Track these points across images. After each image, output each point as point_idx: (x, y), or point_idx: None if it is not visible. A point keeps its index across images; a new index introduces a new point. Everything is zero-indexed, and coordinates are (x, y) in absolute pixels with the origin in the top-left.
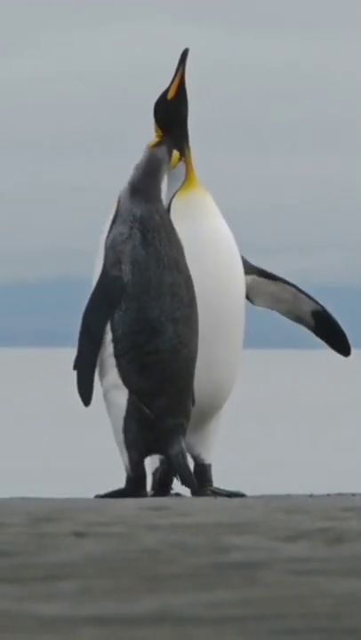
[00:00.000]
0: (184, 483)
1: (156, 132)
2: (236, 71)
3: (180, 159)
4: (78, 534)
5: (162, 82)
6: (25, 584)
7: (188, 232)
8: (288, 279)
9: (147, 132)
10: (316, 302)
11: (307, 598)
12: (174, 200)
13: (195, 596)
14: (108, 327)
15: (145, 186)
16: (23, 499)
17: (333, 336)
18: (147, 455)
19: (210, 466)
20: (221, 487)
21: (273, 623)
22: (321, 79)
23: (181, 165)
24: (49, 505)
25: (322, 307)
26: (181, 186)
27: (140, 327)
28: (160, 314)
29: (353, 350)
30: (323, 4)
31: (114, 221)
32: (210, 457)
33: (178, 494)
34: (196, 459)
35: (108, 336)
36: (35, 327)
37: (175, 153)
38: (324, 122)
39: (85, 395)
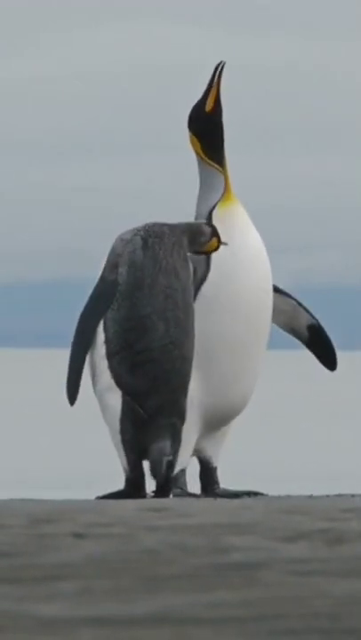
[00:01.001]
0: (158, 486)
1: (192, 140)
2: (236, 71)
3: (216, 248)
4: (78, 535)
5: (162, 82)
6: (25, 584)
7: (232, 244)
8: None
9: (146, 132)
10: (313, 317)
11: (307, 599)
12: (215, 212)
13: (195, 597)
14: (101, 328)
15: (175, 226)
16: (23, 500)
17: (323, 350)
18: (144, 456)
19: (216, 468)
20: (226, 488)
21: (273, 623)
22: (321, 79)
23: (219, 177)
24: (49, 506)
25: (317, 321)
26: (221, 197)
27: (130, 324)
28: (151, 311)
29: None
30: (323, 3)
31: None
32: (218, 460)
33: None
34: (207, 462)
35: (101, 337)
36: (35, 327)
37: (214, 240)
38: (324, 122)
39: (71, 394)
